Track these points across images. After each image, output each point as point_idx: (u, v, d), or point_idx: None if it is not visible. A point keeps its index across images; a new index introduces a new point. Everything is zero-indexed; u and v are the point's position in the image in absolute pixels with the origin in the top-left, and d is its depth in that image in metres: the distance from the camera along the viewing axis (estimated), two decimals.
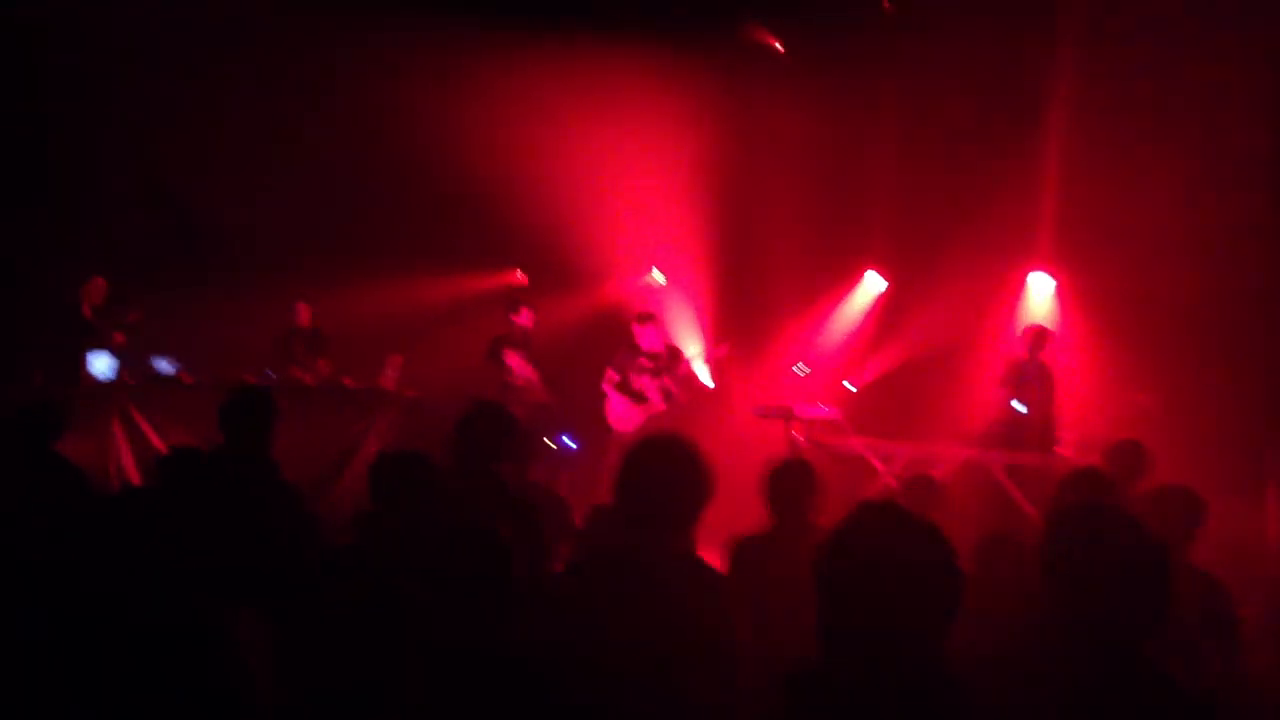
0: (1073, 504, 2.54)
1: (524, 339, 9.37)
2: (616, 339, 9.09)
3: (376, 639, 3.42)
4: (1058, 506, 3.54)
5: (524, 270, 11.41)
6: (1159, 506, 4.00)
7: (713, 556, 5.01)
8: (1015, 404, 8.09)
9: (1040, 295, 9.82)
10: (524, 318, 9.39)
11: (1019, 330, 8.84)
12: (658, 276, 11.27)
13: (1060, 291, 9.73)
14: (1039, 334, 8.43)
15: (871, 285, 10.68)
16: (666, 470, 3.04)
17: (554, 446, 9.81)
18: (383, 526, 3.70)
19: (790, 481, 4.28)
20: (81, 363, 8.67)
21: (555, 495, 4.58)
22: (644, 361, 8.80)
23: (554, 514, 4.34)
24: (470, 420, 4.30)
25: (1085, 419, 8.41)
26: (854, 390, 9.88)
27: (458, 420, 4.32)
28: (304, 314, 9.75)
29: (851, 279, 10.71)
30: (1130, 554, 2.34)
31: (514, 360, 9.22)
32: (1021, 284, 9.85)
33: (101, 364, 8.68)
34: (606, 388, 8.92)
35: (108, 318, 8.97)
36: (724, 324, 10.23)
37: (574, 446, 9.93)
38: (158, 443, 8.21)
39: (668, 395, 8.76)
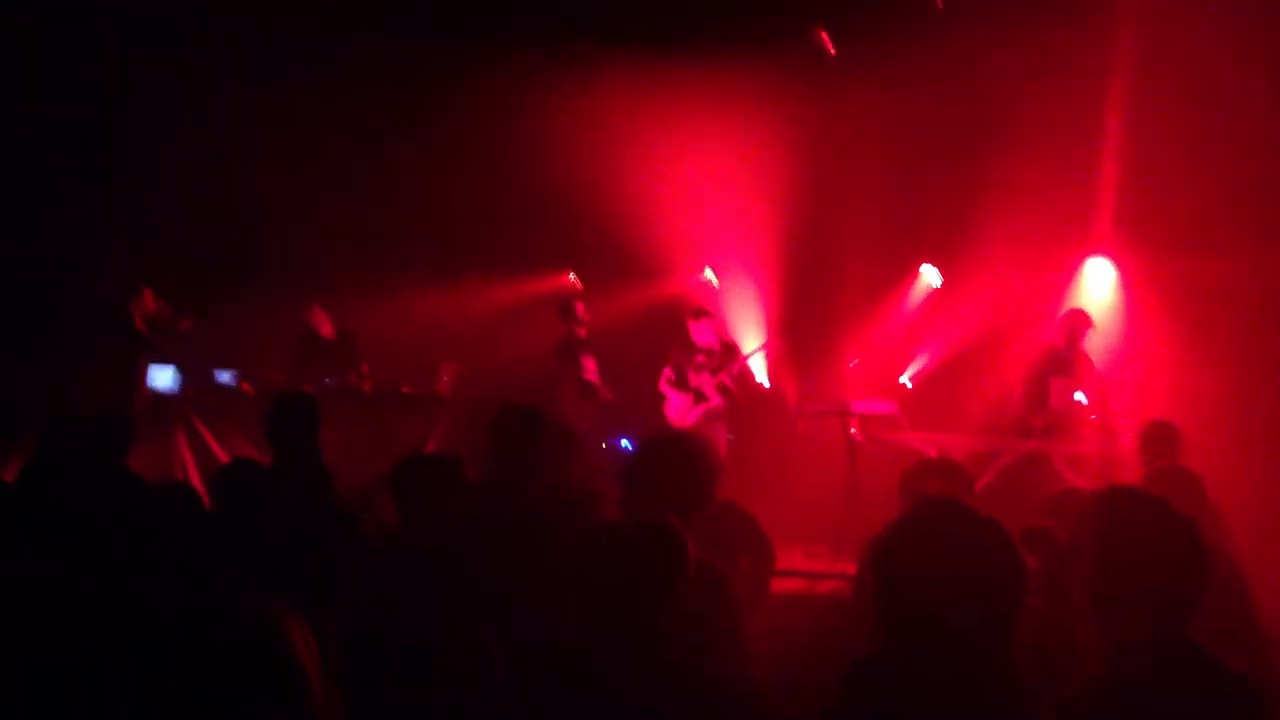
0: (1109, 490, 2.54)
1: (582, 340, 9.43)
2: (672, 337, 9.09)
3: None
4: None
5: (578, 272, 11.45)
6: (1160, 488, 3.93)
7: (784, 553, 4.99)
8: (1077, 395, 7.96)
9: (1099, 282, 9.65)
10: (584, 320, 9.45)
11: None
12: (711, 274, 11.26)
13: (1123, 278, 9.56)
14: (1077, 318, 8.25)
15: (928, 279, 10.58)
16: (668, 466, 3.07)
17: (615, 447, 9.85)
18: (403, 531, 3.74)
19: (918, 481, 4.22)
20: (142, 376, 8.84)
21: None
22: (700, 359, 8.81)
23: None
24: (501, 425, 4.34)
25: (1148, 408, 8.25)
26: (909, 386, 9.78)
27: (489, 425, 4.36)
28: (325, 323, 9.56)
29: (909, 273, 10.61)
30: (1163, 534, 2.32)
31: (588, 362, 9.29)
32: (1078, 271, 9.70)
33: (164, 377, 8.85)
34: (663, 386, 8.94)
35: (159, 329, 9.09)
36: (780, 320, 10.18)
37: (631, 448, 9.95)
38: (221, 454, 8.34)
39: (724, 391, 8.75)
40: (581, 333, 9.45)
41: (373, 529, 4.40)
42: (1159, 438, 5.41)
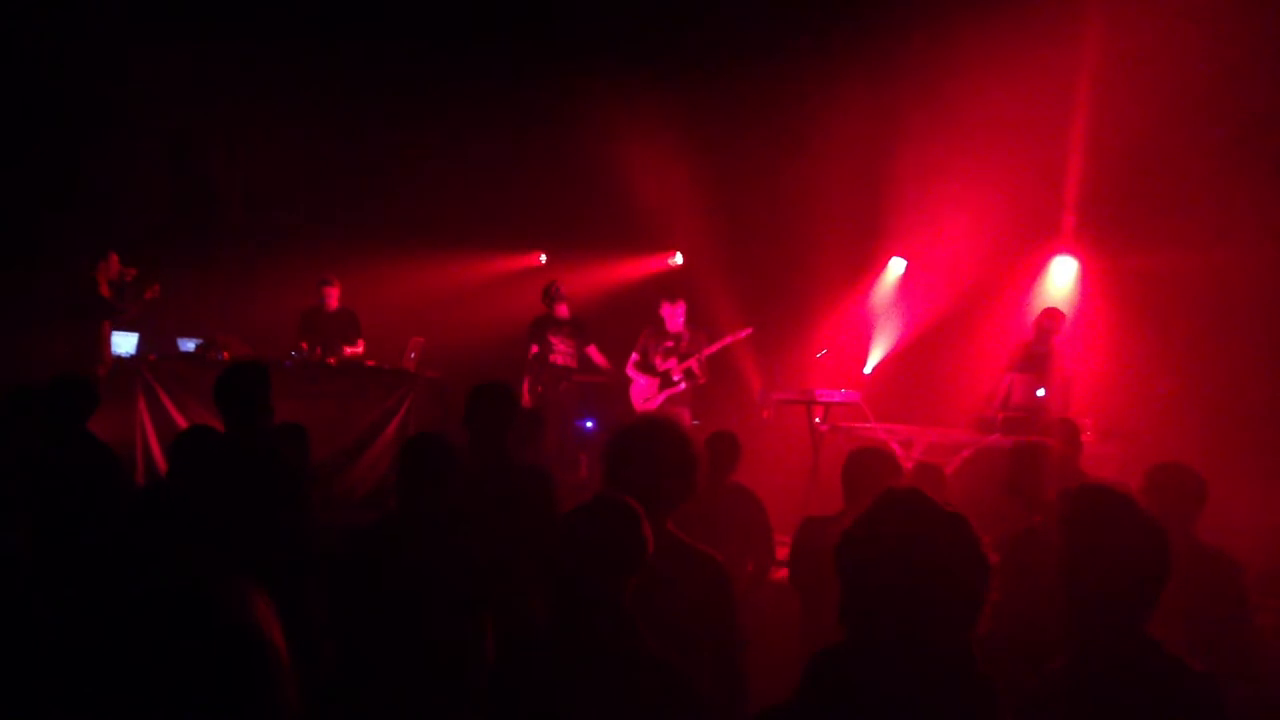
0: (1078, 487, 2.55)
1: (560, 320, 9.41)
2: (640, 321, 9.11)
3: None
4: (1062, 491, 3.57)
5: (549, 252, 11.44)
6: (1160, 482, 4.00)
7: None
8: (1039, 392, 8.04)
9: (1061, 279, 9.76)
10: (563, 299, 9.43)
11: (1033, 314, 8.79)
12: (679, 258, 11.28)
13: (1083, 275, 9.67)
14: (1051, 317, 8.39)
15: (895, 271, 10.65)
16: (651, 452, 3.05)
17: (579, 427, 9.87)
18: (408, 508, 3.71)
19: (861, 467, 4.26)
20: (104, 341, 8.75)
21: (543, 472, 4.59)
22: (668, 344, 8.83)
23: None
24: (475, 400, 4.36)
25: (1107, 405, 8.36)
26: (868, 374, 9.86)
27: (465, 400, 4.38)
28: (332, 297, 9.53)
29: (876, 265, 10.67)
30: (1127, 535, 2.37)
31: (556, 340, 9.28)
32: (1043, 268, 9.80)
33: (127, 343, 8.76)
34: (630, 369, 8.96)
35: (125, 295, 9.00)
36: (747, 307, 10.22)
37: (592, 426, 9.97)
38: (180, 421, 8.28)
39: (689, 375, 8.78)
40: (561, 312, 9.41)
41: (332, 503, 4.38)
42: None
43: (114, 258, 9.01)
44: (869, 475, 4.18)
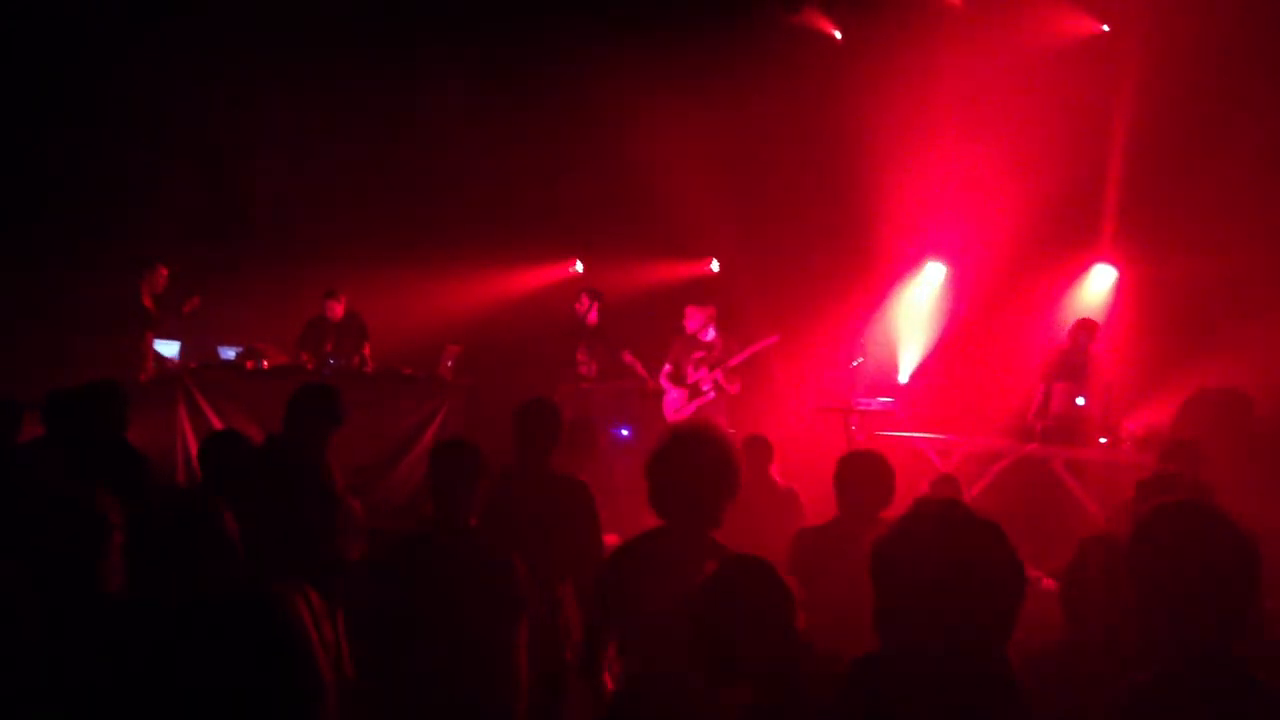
0: (1162, 503, 2.40)
1: (589, 329, 9.39)
2: (673, 330, 9.09)
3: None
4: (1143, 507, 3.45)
5: (584, 260, 11.46)
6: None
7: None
8: (1079, 400, 7.96)
9: (1099, 287, 9.67)
10: (586, 308, 9.41)
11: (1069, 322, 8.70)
12: (715, 265, 11.25)
13: (1121, 283, 9.57)
14: (1085, 328, 8.30)
15: (932, 276, 10.56)
16: (695, 462, 3.07)
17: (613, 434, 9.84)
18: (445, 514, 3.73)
19: (856, 473, 4.22)
20: (147, 349, 8.88)
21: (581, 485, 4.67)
22: (699, 354, 8.80)
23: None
24: (523, 414, 4.47)
25: (1149, 414, 8.25)
26: (905, 383, 9.79)
27: (514, 413, 4.48)
28: (337, 308, 9.55)
29: (912, 270, 10.60)
30: (1219, 555, 2.23)
31: (580, 352, 9.26)
32: (1081, 276, 9.71)
33: (168, 351, 8.89)
34: (663, 380, 8.93)
35: (167, 306, 9.13)
36: (779, 314, 10.17)
37: (627, 435, 9.95)
38: (219, 427, 8.36)
39: (718, 386, 8.73)
40: (591, 321, 9.39)
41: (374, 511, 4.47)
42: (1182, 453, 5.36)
43: (162, 270, 9.18)
44: (861, 479, 4.14)
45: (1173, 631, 2.24)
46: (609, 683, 3.31)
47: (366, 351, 9.42)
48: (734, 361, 8.73)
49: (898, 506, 3.67)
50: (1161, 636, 2.26)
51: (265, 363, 8.89)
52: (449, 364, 9.15)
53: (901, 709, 2.01)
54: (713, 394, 8.74)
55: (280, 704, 1.77)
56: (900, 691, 2.01)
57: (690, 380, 8.80)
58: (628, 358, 9.33)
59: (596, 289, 9.60)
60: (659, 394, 9.09)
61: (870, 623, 2.13)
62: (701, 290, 9.96)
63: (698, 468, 3.10)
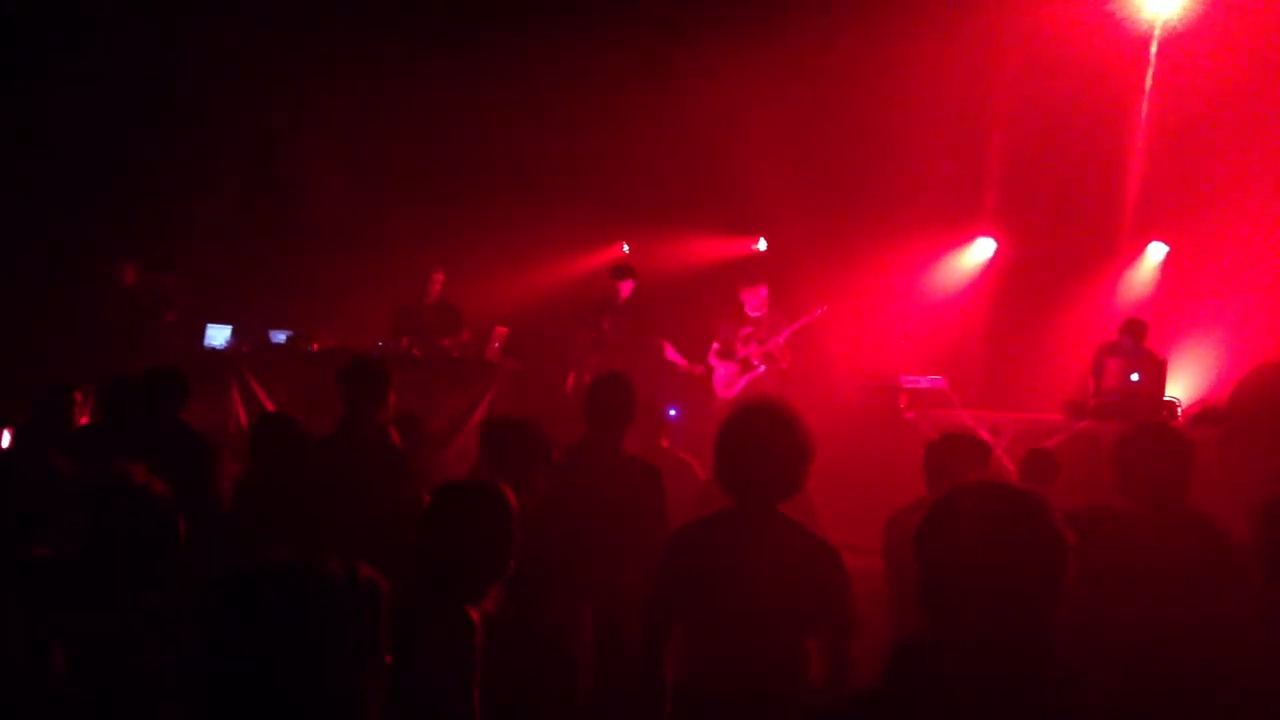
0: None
1: (619, 304, 9.12)
2: (721, 306, 9.03)
3: None
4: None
5: (629, 239, 11.42)
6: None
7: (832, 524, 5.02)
8: (1133, 376, 7.84)
9: (1150, 264, 9.56)
10: (625, 287, 9.22)
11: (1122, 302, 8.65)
12: (763, 244, 11.19)
13: (1170, 259, 9.43)
14: (1135, 327, 8.23)
15: (981, 251, 10.43)
16: (766, 436, 3.01)
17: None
18: None
19: (946, 456, 4.18)
20: (200, 334, 9.00)
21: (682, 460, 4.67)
22: (747, 329, 8.75)
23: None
24: (597, 391, 4.44)
25: (1203, 391, 8.13)
26: (955, 358, 9.70)
27: (588, 389, 4.49)
28: (436, 286, 9.53)
29: (962, 245, 10.48)
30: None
31: (608, 324, 9.07)
32: (1135, 254, 9.57)
33: (220, 335, 9.00)
34: (711, 358, 8.89)
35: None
36: (827, 289, 10.09)
37: (674, 414, 9.91)
38: (271, 409, 8.45)
39: (770, 359, 8.67)
40: (620, 299, 9.06)
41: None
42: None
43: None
44: (956, 463, 4.10)
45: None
46: (669, 674, 3.17)
47: (465, 337, 9.36)
48: (784, 335, 8.66)
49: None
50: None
51: (315, 345, 8.98)
52: (496, 346, 9.17)
53: (950, 688, 1.98)
54: (763, 368, 8.69)
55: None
56: (948, 671, 1.99)
57: (740, 355, 8.75)
58: (669, 353, 9.07)
59: (629, 265, 9.49)
60: (702, 377, 8.99)
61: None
62: (749, 270, 9.88)
63: (773, 442, 3.00)
